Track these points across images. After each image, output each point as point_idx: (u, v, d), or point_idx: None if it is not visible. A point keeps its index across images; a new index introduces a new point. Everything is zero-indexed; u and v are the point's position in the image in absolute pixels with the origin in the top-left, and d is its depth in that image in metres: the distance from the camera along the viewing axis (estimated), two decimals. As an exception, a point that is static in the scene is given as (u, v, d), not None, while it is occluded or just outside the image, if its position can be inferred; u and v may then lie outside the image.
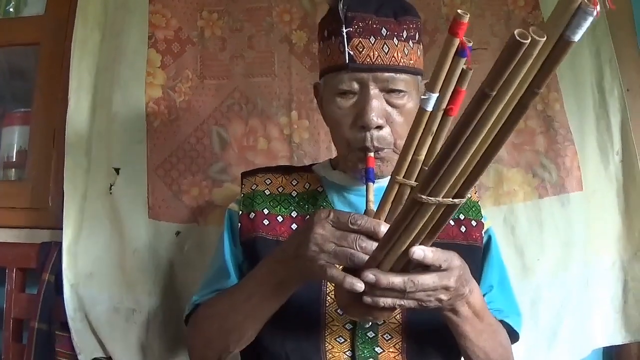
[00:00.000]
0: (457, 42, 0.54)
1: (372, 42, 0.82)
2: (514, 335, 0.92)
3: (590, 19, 0.41)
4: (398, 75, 0.83)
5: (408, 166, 0.66)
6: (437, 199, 0.54)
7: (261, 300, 0.79)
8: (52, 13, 1.48)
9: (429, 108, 0.61)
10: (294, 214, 0.93)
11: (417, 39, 0.85)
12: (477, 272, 0.93)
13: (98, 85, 1.36)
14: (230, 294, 0.86)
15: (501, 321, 0.89)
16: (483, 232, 0.95)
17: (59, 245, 1.29)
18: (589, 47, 1.35)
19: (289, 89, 1.35)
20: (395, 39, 0.83)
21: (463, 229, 0.93)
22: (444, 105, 0.60)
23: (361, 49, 0.82)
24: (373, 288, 0.65)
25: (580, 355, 1.28)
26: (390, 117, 0.84)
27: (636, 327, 1.28)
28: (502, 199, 1.31)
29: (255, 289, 0.80)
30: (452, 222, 0.93)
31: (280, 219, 0.93)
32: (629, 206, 1.31)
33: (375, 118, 0.82)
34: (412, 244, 0.62)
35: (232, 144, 1.33)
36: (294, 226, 0.92)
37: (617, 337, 1.29)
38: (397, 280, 0.65)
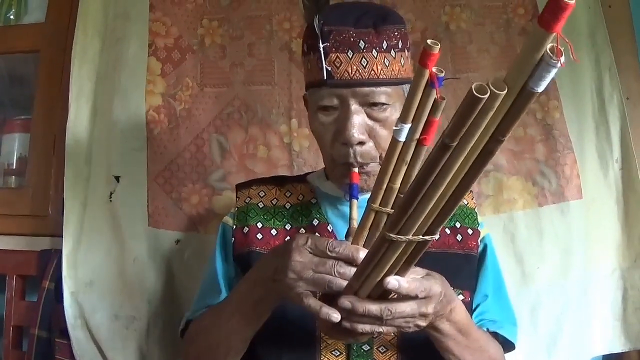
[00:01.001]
0: (427, 73, 0.54)
1: (350, 56, 0.80)
2: (509, 346, 0.92)
3: (554, 71, 0.39)
4: (378, 88, 0.81)
5: (384, 194, 0.66)
6: (406, 237, 0.55)
7: (242, 318, 0.79)
8: (52, 20, 1.48)
9: (402, 139, 0.60)
10: (287, 227, 0.93)
11: (400, 47, 0.83)
12: (473, 280, 0.93)
13: (98, 93, 1.36)
14: (216, 312, 0.86)
15: (494, 333, 0.89)
16: (479, 240, 0.95)
17: (59, 252, 1.30)
18: (588, 55, 1.35)
19: (288, 97, 1.35)
20: (374, 50, 0.80)
21: (459, 237, 0.93)
22: (417, 135, 0.59)
23: (339, 64, 0.80)
24: (350, 314, 0.65)
25: (580, 363, 1.28)
26: (373, 131, 0.83)
27: (635, 335, 1.28)
28: (501, 207, 1.31)
29: (235, 307, 0.80)
30: (448, 231, 0.92)
31: (274, 232, 0.92)
32: (628, 214, 1.31)
33: (356, 134, 0.81)
34: (387, 274, 0.62)
35: (232, 152, 1.33)
36: (287, 239, 0.91)
37: (616, 344, 1.29)
38: (373, 307, 0.65)
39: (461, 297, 0.88)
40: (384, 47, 0.81)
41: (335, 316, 0.65)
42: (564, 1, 0.36)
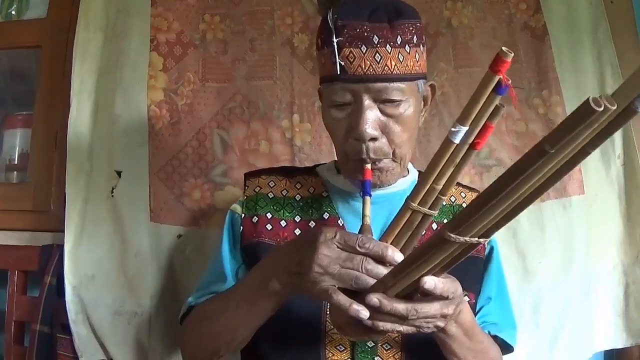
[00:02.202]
0: (496, 79, 0.53)
1: (364, 52, 0.79)
2: (508, 349, 0.92)
3: None
4: (392, 84, 0.80)
5: (425, 193, 0.65)
6: (464, 238, 0.55)
7: (251, 308, 0.78)
8: (53, 16, 1.47)
9: (457, 140, 0.59)
10: (297, 219, 0.92)
11: (415, 42, 0.82)
12: (478, 283, 0.93)
13: (100, 88, 1.36)
14: (222, 299, 0.85)
15: (495, 336, 0.89)
16: (486, 243, 0.94)
17: (60, 248, 1.29)
18: (591, 50, 1.36)
19: (290, 92, 1.35)
20: (388, 45, 0.79)
21: None
22: (471, 139, 0.59)
23: (352, 59, 0.79)
24: (374, 312, 0.65)
25: (582, 359, 1.28)
26: (386, 127, 0.82)
27: (637, 331, 1.28)
28: (503, 202, 1.31)
29: (245, 297, 0.79)
30: None
31: (283, 223, 0.92)
32: (630, 210, 1.31)
33: (369, 130, 0.80)
34: (425, 274, 0.62)
35: (233, 147, 1.33)
36: (297, 231, 0.91)
37: (618, 340, 1.29)
38: (400, 307, 0.64)
39: (467, 298, 0.87)
40: (398, 42, 0.80)
41: (365, 313, 0.64)
42: None
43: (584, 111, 0.41)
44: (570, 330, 1.27)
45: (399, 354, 0.84)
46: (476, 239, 0.55)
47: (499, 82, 0.54)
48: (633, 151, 1.31)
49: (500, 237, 1.05)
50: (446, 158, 0.62)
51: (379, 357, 0.84)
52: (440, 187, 0.64)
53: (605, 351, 1.32)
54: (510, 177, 0.48)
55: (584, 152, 0.46)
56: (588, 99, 0.40)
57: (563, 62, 1.36)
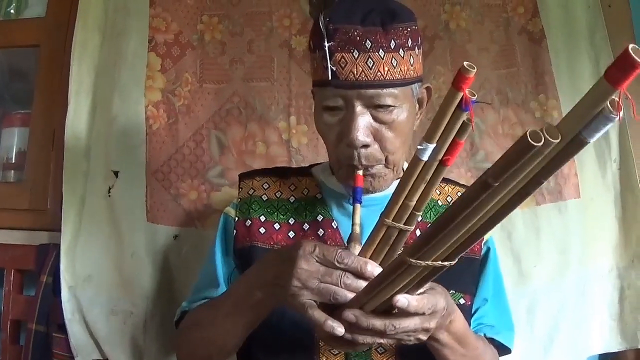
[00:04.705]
0: (460, 95, 0.53)
1: (356, 57, 0.77)
2: (505, 350, 0.92)
3: (610, 125, 0.40)
4: (384, 90, 0.78)
5: (398, 210, 0.64)
6: (426, 262, 0.55)
7: (238, 318, 0.78)
8: (52, 15, 1.48)
9: (425, 158, 0.59)
10: (291, 221, 0.91)
11: (409, 45, 0.79)
12: (474, 284, 0.92)
13: (98, 88, 1.36)
14: (212, 308, 0.85)
15: (491, 339, 0.89)
16: (482, 244, 0.94)
17: (57, 247, 1.29)
18: (588, 54, 1.36)
19: (288, 94, 1.35)
20: (381, 50, 0.77)
21: None
22: (440, 156, 0.58)
23: (344, 65, 0.77)
24: (353, 327, 0.65)
25: (576, 362, 1.28)
26: (378, 133, 0.80)
27: (632, 335, 1.28)
28: (499, 205, 1.31)
29: (232, 307, 0.79)
30: None
31: (277, 226, 0.91)
32: (625, 214, 1.31)
33: (360, 137, 0.78)
34: (397, 293, 0.62)
35: (230, 148, 1.33)
36: (291, 234, 0.90)
37: (613, 344, 1.30)
38: (377, 323, 0.65)
39: (462, 300, 0.87)
40: (392, 47, 0.78)
41: (340, 330, 0.64)
42: (636, 60, 0.35)
43: (522, 146, 0.40)
44: (565, 334, 1.27)
45: (392, 358, 0.84)
46: (439, 262, 0.55)
47: (464, 100, 0.53)
48: (629, 155, 1.31)
49: (495, 240, 1.05)
50: (416, 175, 0.61)
51: None
52: (413, 203, 0.63)
53: (600, 355, 1.33)
54: (458, 208, 0.48)
55: (536, 182, 0.45)
56: (526, 133, 0.39)
57: (560, 66, 1.36)
